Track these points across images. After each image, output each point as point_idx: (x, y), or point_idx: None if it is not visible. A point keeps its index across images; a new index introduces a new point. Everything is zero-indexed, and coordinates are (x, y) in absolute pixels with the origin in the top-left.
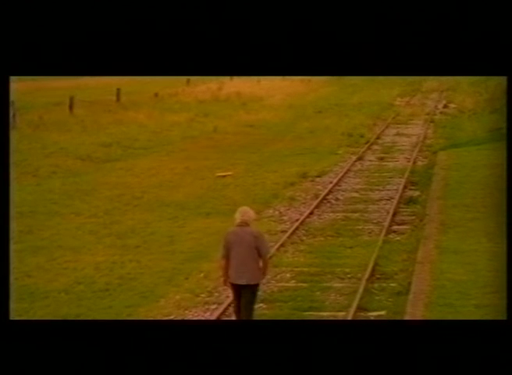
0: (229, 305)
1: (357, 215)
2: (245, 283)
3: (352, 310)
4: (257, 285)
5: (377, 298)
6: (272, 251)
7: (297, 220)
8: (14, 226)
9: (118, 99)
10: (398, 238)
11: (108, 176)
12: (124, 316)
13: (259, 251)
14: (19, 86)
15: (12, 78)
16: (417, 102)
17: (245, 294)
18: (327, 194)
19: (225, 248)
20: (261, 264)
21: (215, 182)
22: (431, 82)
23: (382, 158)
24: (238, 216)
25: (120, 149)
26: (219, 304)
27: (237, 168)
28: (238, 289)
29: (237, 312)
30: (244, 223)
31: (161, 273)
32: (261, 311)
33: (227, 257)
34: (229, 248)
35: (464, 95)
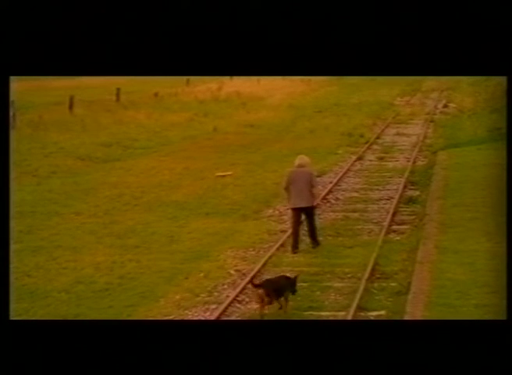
0: (229, 304)
1: (356, 214)
2: (303, 206)
3: (352, 310)
4: (313, 207)
5: (377, 297)
6: (272, 250)
7: None
8: (14, 226)
9: (118, 99)
10: (398, 238)
11: (108, 176)
12: (124, 316)
13: (312, 183)
14: (19, 86)
15: (12, 78)
16: (417, 102)
17: (307, 215)
18: (327, 194)
19: (287, 182)
20: (314, 191)
21: (215, 182)
22: (431, 82)
23: (381, 158)
24: (296, 161)
25: (120, 149)
26: (219, 304)
27: (237, 168)
28: (299, 212)
29: (295, 235)
30: (301, 165)
31: (160, 272)
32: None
33: (288, 188)
34: (289, 181)
35: (463, 95)
